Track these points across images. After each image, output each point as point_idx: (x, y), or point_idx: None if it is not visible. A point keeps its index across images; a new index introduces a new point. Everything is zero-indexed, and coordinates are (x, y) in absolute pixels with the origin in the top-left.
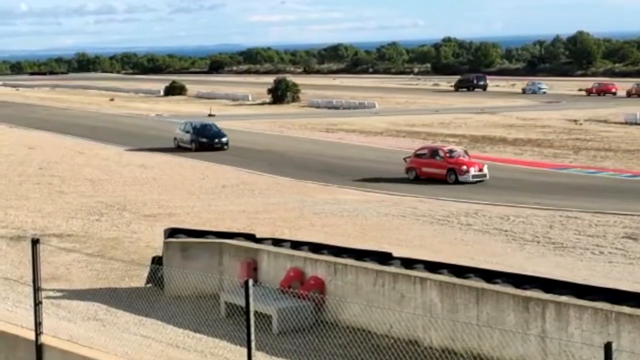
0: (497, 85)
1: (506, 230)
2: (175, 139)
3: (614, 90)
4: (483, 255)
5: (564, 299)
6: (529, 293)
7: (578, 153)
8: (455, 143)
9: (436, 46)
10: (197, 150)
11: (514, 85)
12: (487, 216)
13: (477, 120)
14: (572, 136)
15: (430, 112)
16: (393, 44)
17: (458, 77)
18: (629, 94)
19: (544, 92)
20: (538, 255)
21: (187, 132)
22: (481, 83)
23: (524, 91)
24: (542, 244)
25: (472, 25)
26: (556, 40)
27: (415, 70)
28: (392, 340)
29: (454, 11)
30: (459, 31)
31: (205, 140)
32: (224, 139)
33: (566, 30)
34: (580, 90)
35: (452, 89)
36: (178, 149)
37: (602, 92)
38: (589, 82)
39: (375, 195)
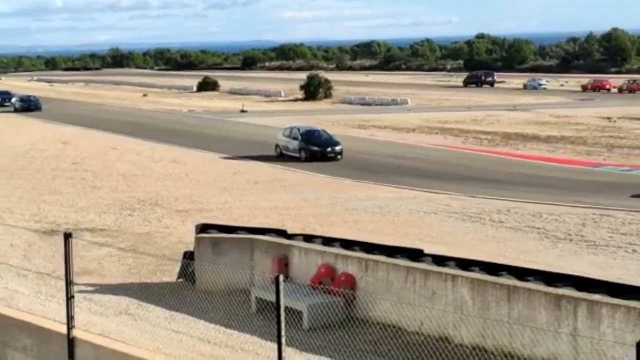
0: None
1: (539, 228)
2: (277, 146)
3: (608, 86)
4: (515, 252)
5: (596, 297)
6: (560, 291)
7: (611, 151)
8: (487, 140)
9: (469, 43)
10: (307, 160)
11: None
12: (520, 214)
13: (509, 117)
14: (606, 134)
15: (463, 109)
16: (426, 41)
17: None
18: (620, 90)
19: (544, 88)
20: (571, 253)
21: (294, 138)
22: (489, 79)
23: (525, 87)
24: (575, 242)
25: (506, 22)
26: (590, 37)
27: (448, 67)
28: (422, 337)
29: (488, 8)
30: (492, 28)
31: (317, 149)
32: (337, 147)
33: (601, 27)
34: (582, 85)
35: (463, 84)
36: (281, 157)
37: (597, 88)
38: (621, 79)
39: (407, 192)
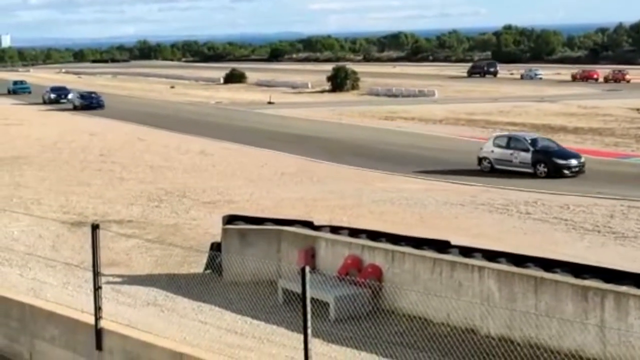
0: (558, 73)
1: (566, 220)
2: (484, 159)
3: (595, 76)
4: (542, 244)
5: (623, 289)
6: (588, 282)
7: None
8: (515, 131)
9: (497, 34)
10: (547, 176)
11: (512, 73)
12: (547, 205)
13: (537, 108)
14: (634, 125)
15: (490, 101)
16: (453, 32)
17: (512, 65)
18: (607, 80)
19: (540, 78)
20: (598, 245)
21: (521, 150)
22: (491, 70)
23: (522, 77)
24: (603, 234)
25: (535, 13)
26: (619, 27)
27: (476, 58)
28: (449, 329)
29: None
30: (521, 19)
31: (561, 163)
32: (576, 161)
33: (630, 17)
34: (572, 75)
35: (467, 75)
36: (487, 172)
37: (585, 78)
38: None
39: (434, 183)
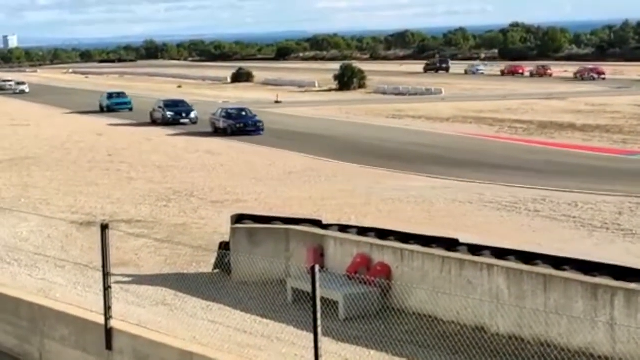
0: (566, 71)
1: (574, 217)
2: None
3: (521, 71)
4: (551, 241)
5: (633, 286)
6: (597, 280)
7: None
8: (522, 129)
9: (504, 31)
10: None
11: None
12: (555, 202)
13: (544, 105)
14: None
15: (498, 98)
16: (460, 30)
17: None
18: (532, 74)
19: (482, 73)
20: (607, 242)
21: None
22: (444, 66)
23: (465, 72)
24: (612, 231)
25: (542, 10)
26: (626, 24)
27: (482, 56)
28: (458, 327)
29: None
30: (528, 16)
31: None
32: None
33: (637, 14)
34: (501, 70)
35: (423, 71)
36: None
37: (512, 72)
38: None
39: (442, 181)
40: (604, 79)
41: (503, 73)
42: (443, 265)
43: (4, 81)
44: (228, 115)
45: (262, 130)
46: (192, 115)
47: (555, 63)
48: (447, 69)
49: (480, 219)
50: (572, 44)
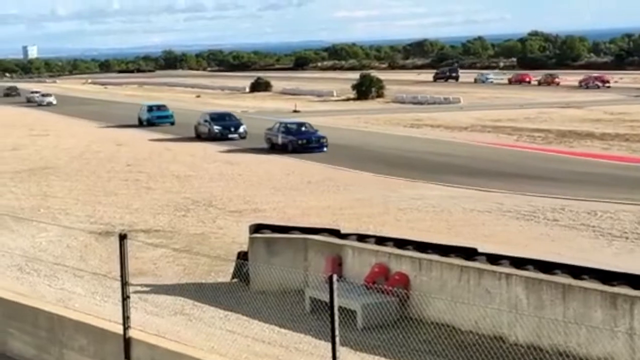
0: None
1: (593, 226)
2: None
3: (528, 79)
4: (569, 251)
5: None
6: (616, 289)
7: None
8: (540, 138)
9: (522, 40)
10: None
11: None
12: (574, 212)
13: (562, 114)
14: None
15: (516, 107)
16: (479, 39)
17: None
18: (540, 83)
19: (491, 82)
20: (626, 251)
21: None
22: (453, 75)
23: (475, 80)
24: (631, 240)
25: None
26: None
27: (501, 64)
28: (477, 337)
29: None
30: (547, 25)
31: None
32: None
33: None
34: (509, 79)
35: (433, 80)
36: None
37: (519, 81)
38: None
39: (460, 190)
40: (608, 87)
41: (510, 81)
42: (461, 274)
43: (32, 93)
44: (287, 130)
45: (326, 146)
46: (241, 129)
47: (571, 72)
48: (456, 78)
49: (498, 228)
50: (590, 52)
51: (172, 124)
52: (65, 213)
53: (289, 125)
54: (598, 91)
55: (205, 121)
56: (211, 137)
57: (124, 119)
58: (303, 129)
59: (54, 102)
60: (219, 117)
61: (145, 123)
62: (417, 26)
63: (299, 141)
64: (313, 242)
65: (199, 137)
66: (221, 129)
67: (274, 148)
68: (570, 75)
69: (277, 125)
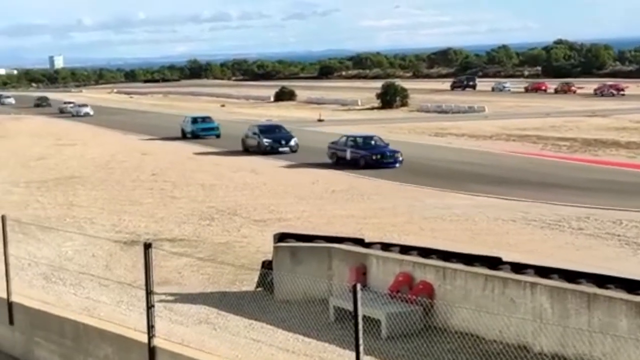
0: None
1: (619, 235)
2: None
3: (544, 87)
4: (595, 260)
5: None
6: None
7: None
8: (566, 147)
9: (547, 49)
10: None
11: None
12: (599, 220)
13: (588, 123)
14: None
15: (541, 116)
16: (503, 47)
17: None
18: (556, 91)
19: (509, 90)
20: None
21: None
22: (471, 83)
23: (492, 89)
24: None
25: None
26: None
27: (526, 73)
28: (501, 346)
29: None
30: (572, 33)
31: None
32: None
33: None
34: (525, 87)
35: (450, 88)
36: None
37: (535, 89)
38: None
39: (485, 199)
40: (623, 95)
41: (527, 90)
42: (486, 283)
43: (65, 103)
44: (356, 144)
45: (401, 162)
46: (292, 142)
47: (593, 80)
48: (474, 87)
49: (523, 237)
50: (615, 60)
51: (218, 136)
52: (91, 222)
53: (357, 139)
54: (622, 99)
55: (254, 134)
56: (260, 151)
57: (159, 130)
58: (372, 142)
59: (91, 112)
60: (268, 130)
61: (189, 135)
62: (442, 35)
63: (373, 156)
64: (337, 251)
65: (247, 150)
66: (271, 142)
67: (338, 163)
68: (587, 84)
69: (344, 139)
